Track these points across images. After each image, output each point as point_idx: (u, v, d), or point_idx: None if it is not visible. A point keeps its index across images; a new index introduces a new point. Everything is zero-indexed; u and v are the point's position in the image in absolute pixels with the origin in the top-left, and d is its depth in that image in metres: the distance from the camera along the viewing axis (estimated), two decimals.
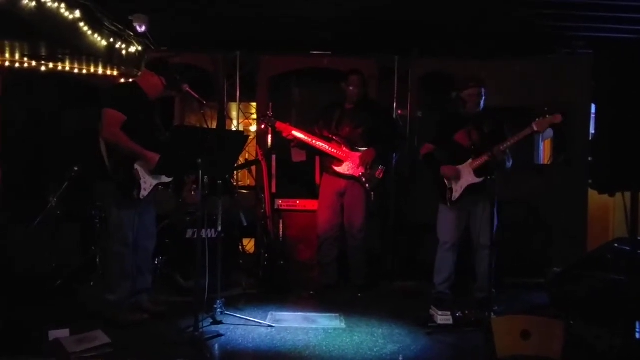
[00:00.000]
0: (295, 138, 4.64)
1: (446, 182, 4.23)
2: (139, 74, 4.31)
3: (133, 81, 4.04)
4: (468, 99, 4.17)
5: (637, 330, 3.09)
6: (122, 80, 5.54)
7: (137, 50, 5.45)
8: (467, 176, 4.15)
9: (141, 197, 3.65)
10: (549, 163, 6.37)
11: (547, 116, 3.87)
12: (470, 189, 4.14)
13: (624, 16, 4.61)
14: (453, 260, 4.28)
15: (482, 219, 4.16)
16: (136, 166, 3.62)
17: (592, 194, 5.15)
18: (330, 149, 4.64)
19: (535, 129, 3.87)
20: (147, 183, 3.68)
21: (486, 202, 4.19)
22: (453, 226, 4.26)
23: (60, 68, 5.27)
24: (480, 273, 4.23)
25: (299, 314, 4.12)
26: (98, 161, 3.67)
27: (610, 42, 5.24)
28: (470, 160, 4.15)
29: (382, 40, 5.52)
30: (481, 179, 4.08)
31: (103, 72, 5.43)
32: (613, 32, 5.01)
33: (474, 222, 4.22)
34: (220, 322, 3.77)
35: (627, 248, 3.77)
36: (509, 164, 4.15)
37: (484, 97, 4.18)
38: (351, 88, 4.65)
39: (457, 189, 4.17)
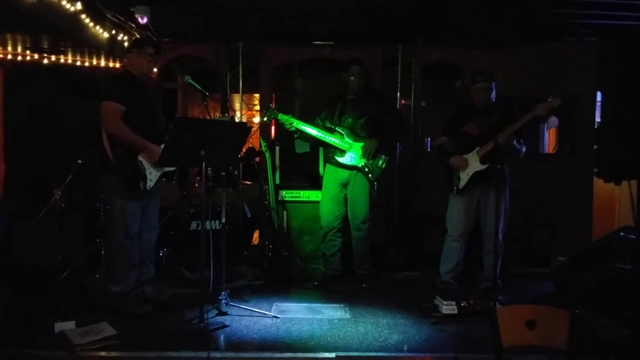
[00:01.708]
0: (298, 129, 4.62)
1: (454, 171, 4.23)
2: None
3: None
4: (477, 93, 4.14)
5: None
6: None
7: None
8: (473, 164, 4.15)
9: (147, 188, 3.66)
10: (554, 152, 6.34)
11: (549, 99, 3.85)
12: (477, 177, 4.13)
13: (631, 3, 4.54)
14: (460, 252, 4.27)
15: (489, 209, 4.15)
16: (140, 158, 3.62)
17: (598, 182, 5.13)
18: (332, 140, 4.62)
19: (537, 112, 3.85)
20: (152, 174, 3.68)
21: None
22: (461, 217, 4.25)
23: (62, 61, 5.26)
24: (487, 263, 4.22)
25: (304, 304, 4.13)
26: (101, 154, 3.67)
27: (616, 29, 5.17)
28: (477, 149, 4.14)
29: (385, 30, 5.47)
30: (485, 166, 4.07)
31: (105, 64, 5.41)
32: (619, 19, 4.94)
33: (483, 212, 4.22)
34: (225, 313, 3.78)
35: (633, 237, 3.76)
36: (523, 149, 4.13)
37: (494, 91, 4.15)
38: (352, 78, 4.61)
39: (464, 177, 4.18)
